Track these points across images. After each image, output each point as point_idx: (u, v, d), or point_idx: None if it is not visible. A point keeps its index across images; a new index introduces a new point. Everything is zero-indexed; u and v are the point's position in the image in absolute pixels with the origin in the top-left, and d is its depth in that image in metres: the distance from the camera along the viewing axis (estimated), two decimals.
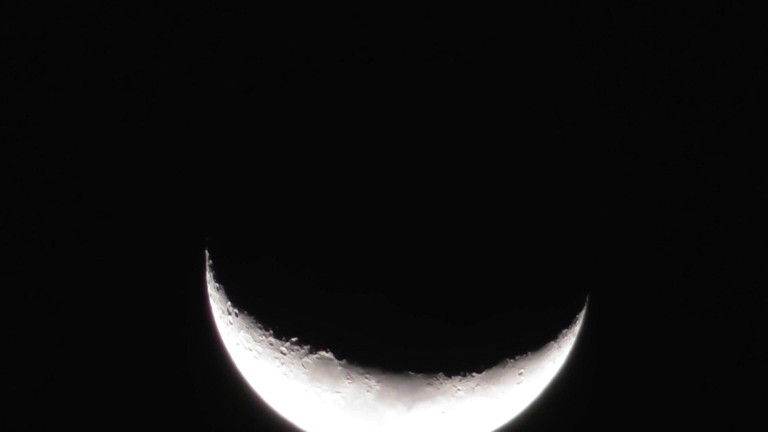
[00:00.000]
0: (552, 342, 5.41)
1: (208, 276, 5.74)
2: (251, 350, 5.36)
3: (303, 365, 5.12)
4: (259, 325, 5.21)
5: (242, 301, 5.32)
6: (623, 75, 6.80)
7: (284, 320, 5.08)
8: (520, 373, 5.30)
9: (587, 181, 5.85)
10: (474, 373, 5.09)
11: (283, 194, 5.11)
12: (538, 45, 6.08)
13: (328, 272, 4.87)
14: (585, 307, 5.78)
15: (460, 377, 5.07)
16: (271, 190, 5.19)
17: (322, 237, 4.91)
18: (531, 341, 5.25)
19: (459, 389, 5.11)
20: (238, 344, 5.49)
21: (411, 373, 4.98)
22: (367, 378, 5.03)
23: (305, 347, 5.05)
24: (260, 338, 5.24)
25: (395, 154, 4.99)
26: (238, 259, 5.33)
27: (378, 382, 5.03)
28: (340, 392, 5.15)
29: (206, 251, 5.79)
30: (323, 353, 5.02)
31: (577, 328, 5.74)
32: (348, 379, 5.06)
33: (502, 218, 5.02)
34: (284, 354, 5.16)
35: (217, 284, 5.55)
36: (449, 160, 5.03)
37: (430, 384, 5.04)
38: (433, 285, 4.82)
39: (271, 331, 5.16)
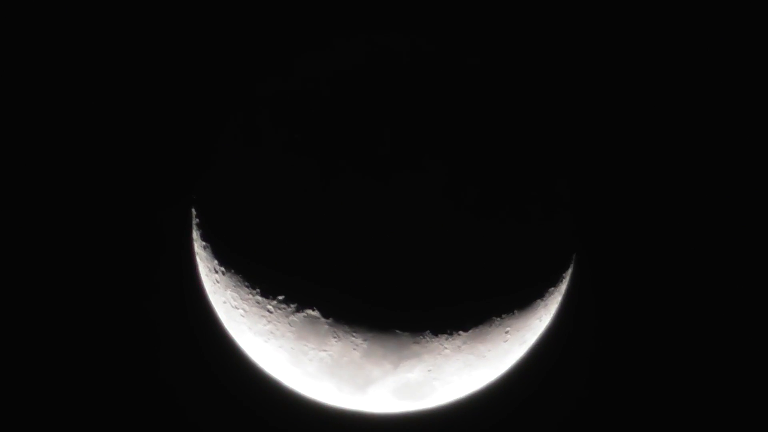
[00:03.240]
0: (539, 300, 5.43)
1: (195, 234, 5.71)
2: (238, 308, 5.36)
3: (290, 323, 5.13)
4: (246, 283, 5.20)
5: (229, 260, 5.30)
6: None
7: (271, 279, 5.07)
8: (507, 332, 5.33)
9: (568, 144, 5.84)
10: (461, 332, 5.11)
11: (272, 156, 5.07)
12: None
13: (315, 232, 4.85)
14: (571, 266, 5.80)
15: (446, 336, 5.09)
16: (259, 152, 5.15)
17: (309, 198, 4.88)
18: (518, 300, 5.27)
19: (445, 347, 5.14)
20: (224, 302, 5.49)
21: (398, 331, 5.00)
22: (353, 336, 5.04)
23: (292, 306, 5.05)
24: (247, 296, 5.24)
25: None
26: (225, 218, 5.30)
27: (365, 340, 5.04)
28: (326, 350, 5.17)
29: (193, 210, 5.75)
30: (310, 311, 5.02)
31: (563, 287, 5.77)
32: (335, 337, 5.07)
33: (486, 184, 5.00)
34: (271, 312, 5.16)
35: (204, 243, 5.52)
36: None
37: (416, 342, 5.06)
38: (420, 245, 4.81)
39: (258, 290, 5.15)
